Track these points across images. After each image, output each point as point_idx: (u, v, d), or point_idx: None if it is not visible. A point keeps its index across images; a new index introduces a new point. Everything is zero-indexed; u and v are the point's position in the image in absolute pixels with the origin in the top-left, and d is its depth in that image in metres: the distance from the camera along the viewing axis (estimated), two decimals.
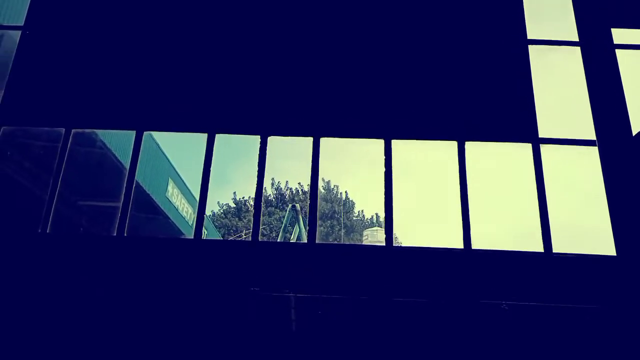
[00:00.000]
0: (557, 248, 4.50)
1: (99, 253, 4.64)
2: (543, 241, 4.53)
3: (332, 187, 38.83)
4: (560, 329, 4.13)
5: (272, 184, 41.58)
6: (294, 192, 40.08)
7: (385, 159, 4.83)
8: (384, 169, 4.78)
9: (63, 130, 5.16)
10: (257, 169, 4.95)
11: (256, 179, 4.93)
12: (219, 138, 5.07)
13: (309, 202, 4.97)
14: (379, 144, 4.97)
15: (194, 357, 4.13)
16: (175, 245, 4.89)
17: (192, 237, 4.80)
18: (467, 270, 4.37)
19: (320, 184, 36.20)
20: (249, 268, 4.49)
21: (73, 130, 5.20)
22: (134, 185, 5.16)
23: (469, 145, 4.87)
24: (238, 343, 4.15)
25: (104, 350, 4.24)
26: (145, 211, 16.04)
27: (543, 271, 4.36)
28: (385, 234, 4.60)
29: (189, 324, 4.29)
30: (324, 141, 5.02)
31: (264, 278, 4.38)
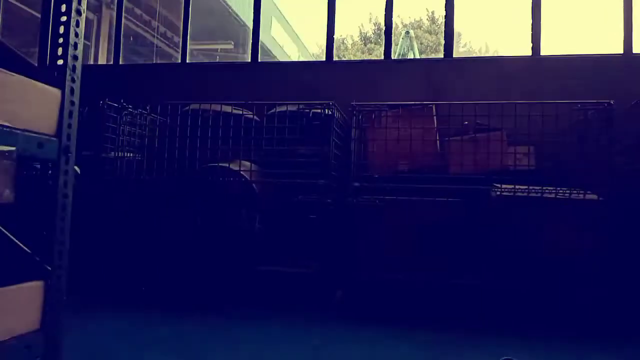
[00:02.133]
0: None
1: (239, 75, 4.83)
2: None
3: (436, 17, 36.19)
4: None
5: (370, 19, 39.61)
6: (393, 26, 38.16)
7: None
8: None
9: None
10: None
11: None
12: None
13: (443, 27, 4.64)
14: None
15: None
16: (309, 66, 4.94)
17: (325, 60, 4.80)
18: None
19: (424, 14, 33.78)
20: (382, 85, 4.45)
21: None
22: (260, 18, 5.12)
23: None
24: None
25: None
26: None
27: None
28: (532, 42, 4.24)
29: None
30: None
31: (400, 93, 4.32)
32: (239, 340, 2.53)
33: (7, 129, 1.11)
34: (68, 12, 1.36)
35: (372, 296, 3.60)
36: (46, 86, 1.26)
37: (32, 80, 1.21)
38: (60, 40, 1.36)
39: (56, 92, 1.29)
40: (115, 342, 2.40)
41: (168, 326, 2.74)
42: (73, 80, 1.35)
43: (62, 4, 1.35)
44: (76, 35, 1.36)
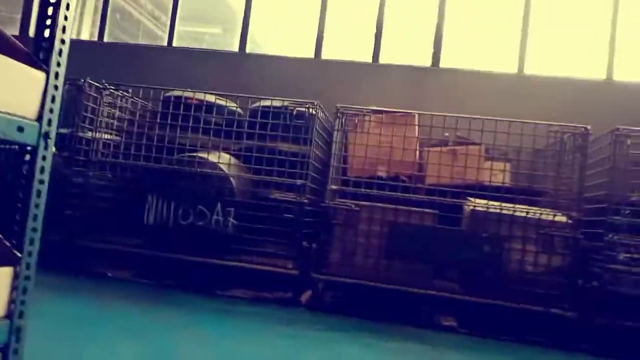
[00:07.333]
0: None
1: (225, 65, 4.79)
2: None
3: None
4: None
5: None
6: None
7: None
8: None
9: None
10: None
11: None
12: None
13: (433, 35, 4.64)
14: None
15: None
16: (297, 62, 4.92)
17: (313, 57, 4.78)
18: None
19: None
20: (367, 87, 4.46)
21: None
22: (251, 7, 5.08)
23: None
24: None
25: None
26: None
27: None
28: (518, 59, 4.30)
29: None
30: None
31: (384, 98, 4.35)
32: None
33: None
34: None
35: (341, 297, 3.62)
36: (31, 69, 1.22)
37: (17, 62, 1.17)
38: (48, 22, 1.32)
39: (41, 75, 1.26)
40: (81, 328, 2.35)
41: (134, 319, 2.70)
42: (59, 65, 1.31)
43: None
44: (65, 18, 1.32)
